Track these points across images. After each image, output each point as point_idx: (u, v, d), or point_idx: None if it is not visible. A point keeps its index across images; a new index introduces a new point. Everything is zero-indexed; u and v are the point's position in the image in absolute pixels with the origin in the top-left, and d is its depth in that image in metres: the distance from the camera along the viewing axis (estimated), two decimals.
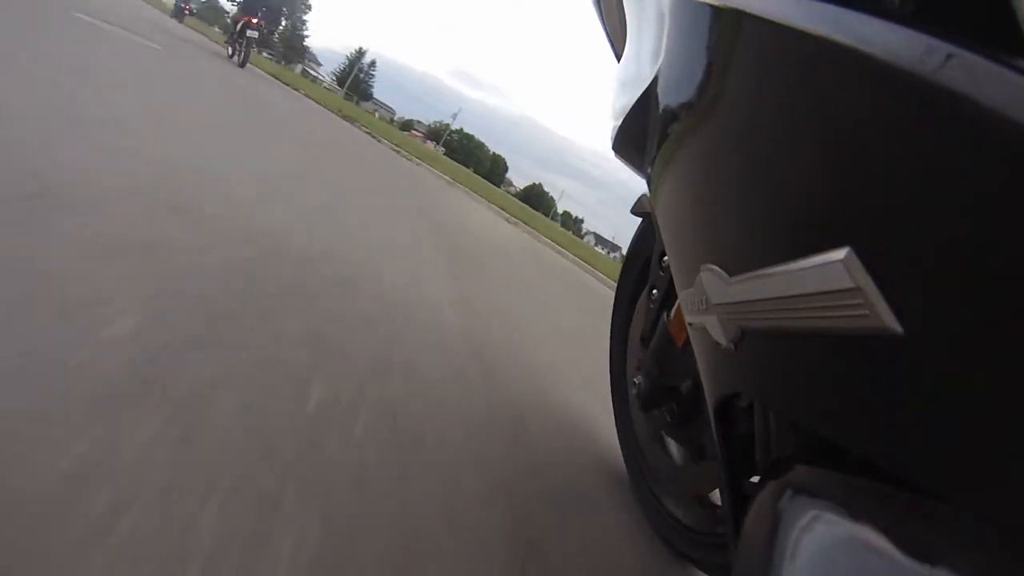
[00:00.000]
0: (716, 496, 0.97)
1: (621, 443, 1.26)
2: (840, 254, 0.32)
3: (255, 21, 9.15)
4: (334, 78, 63.42)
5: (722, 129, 0.48)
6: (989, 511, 0.28)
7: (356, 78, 58.47)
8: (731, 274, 0.47)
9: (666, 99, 0.63)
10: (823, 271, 0.34)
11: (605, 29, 1.12)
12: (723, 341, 0.50)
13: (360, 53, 60.51)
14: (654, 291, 1.04)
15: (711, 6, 0.50)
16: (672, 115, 0.60)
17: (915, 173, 0.29)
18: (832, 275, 0.33)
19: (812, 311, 0.35)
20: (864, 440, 0.35)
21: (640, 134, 0.75)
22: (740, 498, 0.57)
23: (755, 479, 0.55)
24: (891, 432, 0.32)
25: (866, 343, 0.32)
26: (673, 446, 1.04)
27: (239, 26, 9.36)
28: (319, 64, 72.45)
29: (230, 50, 9.68)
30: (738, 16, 0.45)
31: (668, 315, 0.97)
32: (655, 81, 0.68)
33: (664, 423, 1.02)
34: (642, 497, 1.12)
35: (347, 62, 61.56)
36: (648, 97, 0.70)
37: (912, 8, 0.33)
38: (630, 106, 0.79)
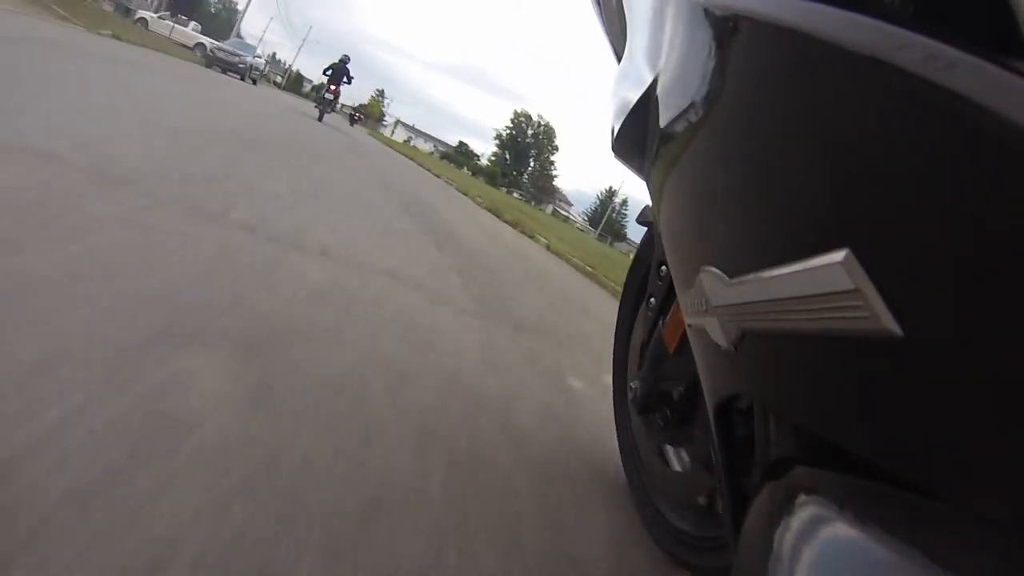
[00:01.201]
0: (705, 501, 0.98)
1: (620, 448, 1.27)
2: (839, 256, 0.32)
3: (333, 88, 12.68)
4: (586, 218, 60.99)
5: (722, 131, 0.49)
6: (988, 511, 0.28)
7: (609, 218, 56.03)
8: (731, 276, 0.47)
9: (666, 101, 0.63)
10: (822, 273, 0.34)
11: (605, 30, 1.13)
12: (723, 343, 0.50)
13: (611, 193, 58.64)
14: (652, 299, 1.05)
15: (711, 8, 0.50)
16: (672, 117, 0.60)
17: (914, 174, 0.29)
18: (831, 277, 0.33)
19: (811, 313, 0.35)
20: (864, 441, 0.35)
21: (640, 136, 0.75)
22: (740, 499, 0.57)
23: (755, 480, 0.55)
24: (891, 433, 0.32)
25: (865, 344, 0.32)
26: (667, 451, 1.04)
27: (323, 92, 13.13)
28: (570, 204, 68.52)
29: (318, 112, 13.10)
30: (737, 18, 0.45)
31: (664, 321, 0.97)
32: (655, 83, 0.68)
33: (658, 428, 1.03)
34: (639, 501, 1.12)
35: (598, 202, 59.60)
36: (648, 99, 0.70)
37: (912, 9, 0.33)
38: (630, 108, 0.79)
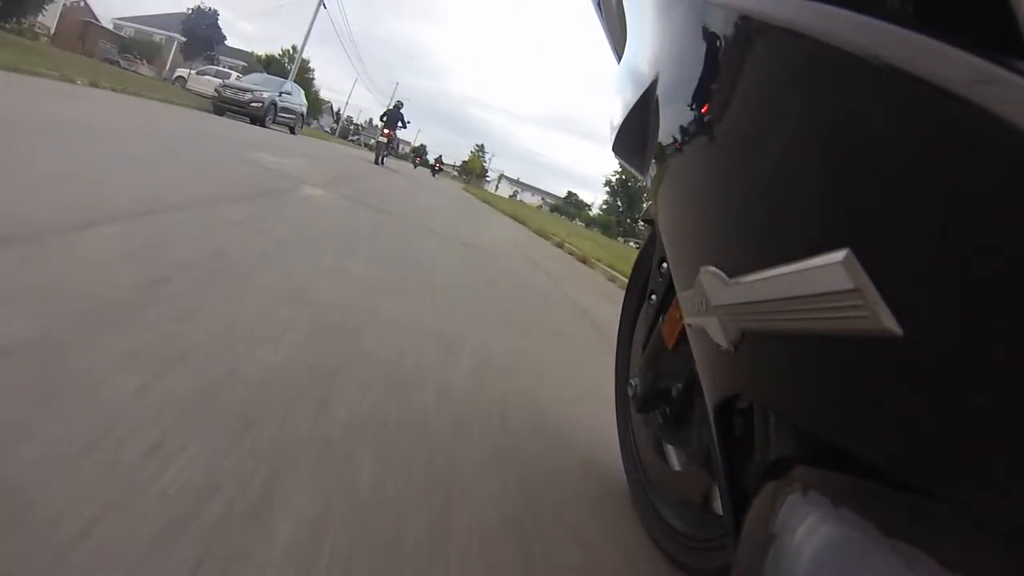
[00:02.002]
0: (702, 500, 0.97)
1: (621, 447, 1.27)
2: (839, 256, 0.32)
3: (387, 132, 13.64)
4: None
5: (722, 131, 0.49)
6: (988, 512, 0.28)
7: None
8: (730, 276, 0.47)
9: (666, 100, 0.63)
10: (823, 273, 0.34)
11: (605, 30, 1.13)
12: (723, 343, 0.50)
13: None
14: (653, 296, 1.05)
15: (711, 7, 0.50)
16: (672, 116, 0.60)
17: (914, 175, 0.29)
18: (831, 277, 0.33)
19: (811, 313, 0.35)
20: (864, 441, 0.35)
21: (640, 135, 0.75)
22: (740, 499, 0.57)
23: (755, 480, 0.55)
24: (890, 433, 0.32)
25: (865, 344, 0.32)
26: (666, 449, 1.04)
27: (378, 136, 14.04)
28: None
29: (376, 156, 13.75)
30: (737, 18, 0.45)
31: (663, 318, 0.98)
32: (655, 82, 0.68)
33: (657, 425, 1.03)
34: (637, 500, 1.13)
35: None
36: (648, 98, 0.70)
37: (912, 9, 0.33)
38: (630, 107, 0.79)
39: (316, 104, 45.84)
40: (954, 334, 0.28)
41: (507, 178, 67.36)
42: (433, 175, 20.02)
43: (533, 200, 57.54)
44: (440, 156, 30.00)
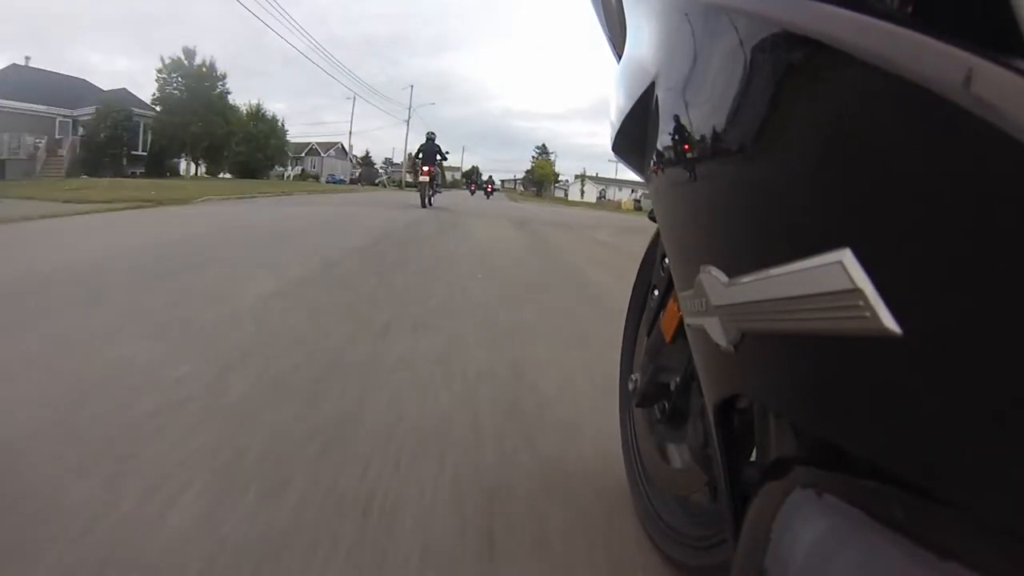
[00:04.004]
0: (697, 498, 0.97)
1: (622, 446, 1.27)
2: (839, 255, 0.32)
3: (426, 170, 11.77)
4: None
5: (721, 130, 0.48)
6: (989, 512, 0.28)
7: None
8: (730, 276, 0.47)
9: (665, 100, 0.63)
10: (822, 272, 0.34)
11: (605, 29, 1.12)
12: (723, 343, 0.50)
13: None
14: (655, 291, 1.06)
15: (711, 7, 0.50)
16: (671, 116, 0.60)
17: (914, 174, 0.29)
18: (831, 276, 0.33)
19: (811, 313, 0.35)
20: (864, 441, 0.35)
21: (640, 135, 0.75)
22: (740, 499, 0.57)
23: (755, 480, 0.55)
24: (891, 433, 0.32)
25: (865, 344, 0.32)
26: (664, 445, 1.05)
27: (418, 176, 12.35)
28: None
29: (421, 199, 12.06)
30: (737, 17, 0.45)
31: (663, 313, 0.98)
32: (655, 82, 0.68)
33: (656, 421, 1.03)
34: (635, 497, 1.13)
35: None
36: (648, 98, 0.70)
37: (911, 8, 0.33)
38: (630, 107, 0.79)
39: (277, 148, 32.79)
40: (954, 334, 0.28)
41: (588, 178, 57.46)
42: (487, 197, 19.60)
43: (622, 196, 48.14)
44: (490, 177, 29.52)
